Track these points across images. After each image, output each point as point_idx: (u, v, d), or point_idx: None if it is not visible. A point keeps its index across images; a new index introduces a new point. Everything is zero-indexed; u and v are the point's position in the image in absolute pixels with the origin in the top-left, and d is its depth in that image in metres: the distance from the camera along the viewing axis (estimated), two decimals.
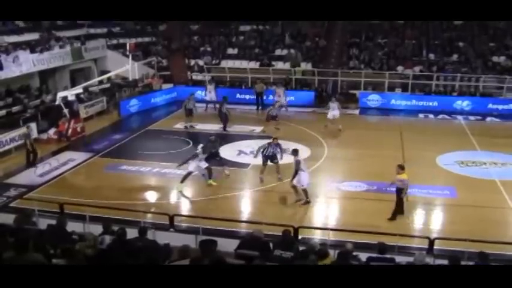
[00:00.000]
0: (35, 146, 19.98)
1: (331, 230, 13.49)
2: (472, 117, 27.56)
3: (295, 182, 15.67)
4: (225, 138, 22.56)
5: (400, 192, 14.54)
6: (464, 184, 17.67)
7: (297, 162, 15.58)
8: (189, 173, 17.10)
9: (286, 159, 17.61)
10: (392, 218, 14.51)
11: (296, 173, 15.57)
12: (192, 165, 17.05)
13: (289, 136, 22.73)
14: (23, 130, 20.64)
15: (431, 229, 14.36)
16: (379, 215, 14.71)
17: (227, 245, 10.42)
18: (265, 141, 18.32)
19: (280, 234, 10.71)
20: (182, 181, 17.10)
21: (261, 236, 10.66)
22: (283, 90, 27.89)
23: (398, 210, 14.65)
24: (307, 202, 15.70)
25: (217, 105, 25.99)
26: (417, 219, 15.22)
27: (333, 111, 23.93)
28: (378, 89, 30.94)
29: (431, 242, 11.98)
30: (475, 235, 12.06)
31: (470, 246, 11.35)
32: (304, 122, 26.09)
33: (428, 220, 15.40)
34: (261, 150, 17.58)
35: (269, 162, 17.60)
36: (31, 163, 19.47)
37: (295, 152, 15.94)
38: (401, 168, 14.61)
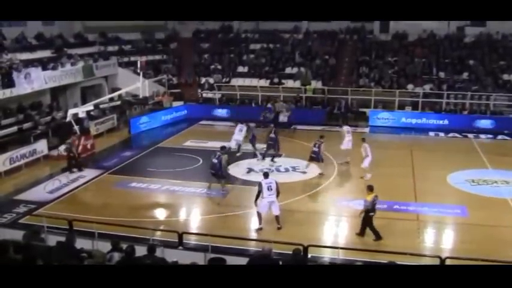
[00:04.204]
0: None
1: (341, 248, 13.39)
2: (482, 136, 27.40)
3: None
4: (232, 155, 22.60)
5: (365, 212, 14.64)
6: (476, 203, 17.52)
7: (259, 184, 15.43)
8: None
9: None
10: (360, 233, 14.70)
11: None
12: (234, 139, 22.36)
13: (298, 153, 22.65)
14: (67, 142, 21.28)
15: (442, 248, 14.21)
16: (389, 234, 14.60)
17: (236, 263, 10.33)
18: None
19: (290, 252, 10.65)
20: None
21: (270, 254, 10.59)
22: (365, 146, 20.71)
23: (363, 230, 14.70)
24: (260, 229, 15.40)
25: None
26: (428, 238, 15.10)
27: None
28: (388, 107, 30.92)
29: (442, 261, 11.83)
30: (486, 254, 11.89)
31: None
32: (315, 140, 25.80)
33: (439, 239, 15.26)
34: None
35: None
36: (76, 166, 20.76)
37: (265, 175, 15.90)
38: (369, 189, 14.80)
